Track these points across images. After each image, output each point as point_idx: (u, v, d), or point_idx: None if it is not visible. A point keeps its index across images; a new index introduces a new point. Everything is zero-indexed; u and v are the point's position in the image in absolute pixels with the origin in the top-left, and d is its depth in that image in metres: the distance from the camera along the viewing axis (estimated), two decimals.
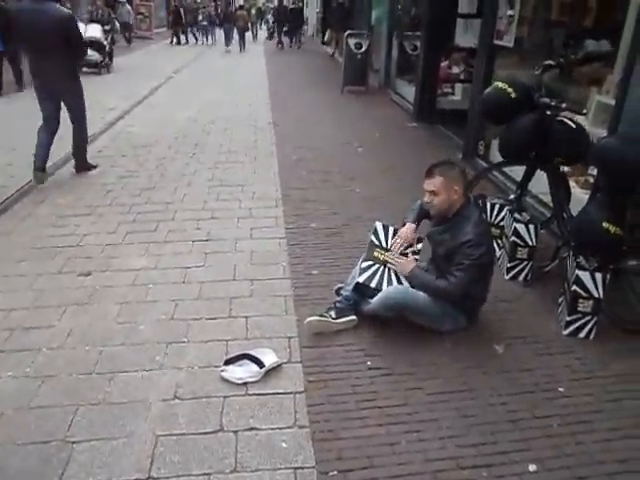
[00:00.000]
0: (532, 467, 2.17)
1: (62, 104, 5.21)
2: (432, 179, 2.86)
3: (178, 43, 22.10)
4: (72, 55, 5.12)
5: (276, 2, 31.86)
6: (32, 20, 4.78)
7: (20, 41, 5.25)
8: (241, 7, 23.77)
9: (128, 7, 20.02)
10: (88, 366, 2.68)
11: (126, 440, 2.26)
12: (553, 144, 3.49)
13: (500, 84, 3.76)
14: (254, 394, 2.53)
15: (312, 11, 26.85)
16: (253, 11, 27.85)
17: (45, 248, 3.91)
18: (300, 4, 24.77)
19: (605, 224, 2.91)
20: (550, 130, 3.49)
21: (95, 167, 5.69)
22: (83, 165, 5.59)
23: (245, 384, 2.58)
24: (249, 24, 23.21)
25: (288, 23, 21.60)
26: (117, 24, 15.65)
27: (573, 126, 3.53)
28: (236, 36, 20.83)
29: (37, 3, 4.80)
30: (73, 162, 5.61)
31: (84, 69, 10.94)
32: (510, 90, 3.65)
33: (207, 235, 4.20)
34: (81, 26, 10.18)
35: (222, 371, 2.64)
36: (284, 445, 2.25)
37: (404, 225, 3.20)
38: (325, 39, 20.82)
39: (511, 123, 3.63)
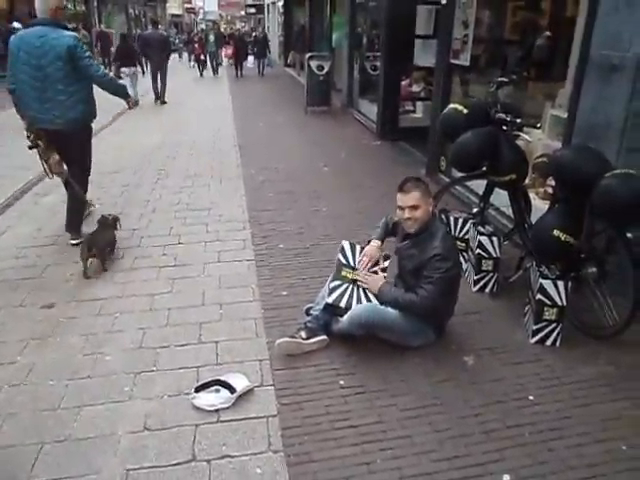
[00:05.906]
0: (506, 477, 2.19)
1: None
2: (410, 194, 2.85)
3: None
4: (165, 54, 12.41)
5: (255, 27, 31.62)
6: (150, 39, 12.03)
7: (145, 49, 12.17)
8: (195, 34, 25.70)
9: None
10: (53, 401, 2.60)
11: (95, 477, 2.19)
12: (504, 159, 3.57)
13: (454, 105, 3.88)
14: (226, 420, 2.49)
15: (274, 35, 27.09)
16: (211, 37, 19.86)
17: (6, 281, 3.80)
18: (262, 31, 24.95)
19: (556, 232, 3.02)
20: (500, 145, 3.57)
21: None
22: (163, 100, 12.33)
23: (217, 411, 2.54)
24: (202, 55, 20.38)
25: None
26: None
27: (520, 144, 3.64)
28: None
29: (152, 31, 12.70)
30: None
31: None
32: (461, 108, 3.76)
33: (174, 260, 4.14)
34: None
35: (193, 398, 2.59)
36: (258, 471, 2.22)
37: (369, 243, 3.23)
38: (288, 61, 21.06)
39: (462, 136, 3.69)
